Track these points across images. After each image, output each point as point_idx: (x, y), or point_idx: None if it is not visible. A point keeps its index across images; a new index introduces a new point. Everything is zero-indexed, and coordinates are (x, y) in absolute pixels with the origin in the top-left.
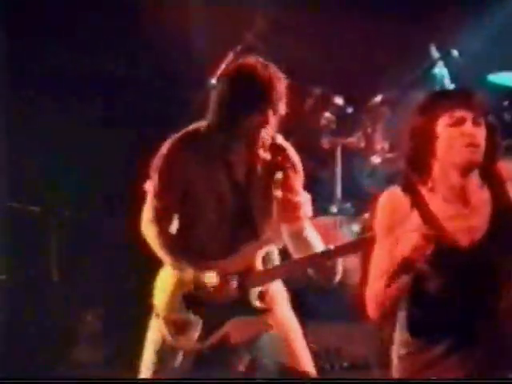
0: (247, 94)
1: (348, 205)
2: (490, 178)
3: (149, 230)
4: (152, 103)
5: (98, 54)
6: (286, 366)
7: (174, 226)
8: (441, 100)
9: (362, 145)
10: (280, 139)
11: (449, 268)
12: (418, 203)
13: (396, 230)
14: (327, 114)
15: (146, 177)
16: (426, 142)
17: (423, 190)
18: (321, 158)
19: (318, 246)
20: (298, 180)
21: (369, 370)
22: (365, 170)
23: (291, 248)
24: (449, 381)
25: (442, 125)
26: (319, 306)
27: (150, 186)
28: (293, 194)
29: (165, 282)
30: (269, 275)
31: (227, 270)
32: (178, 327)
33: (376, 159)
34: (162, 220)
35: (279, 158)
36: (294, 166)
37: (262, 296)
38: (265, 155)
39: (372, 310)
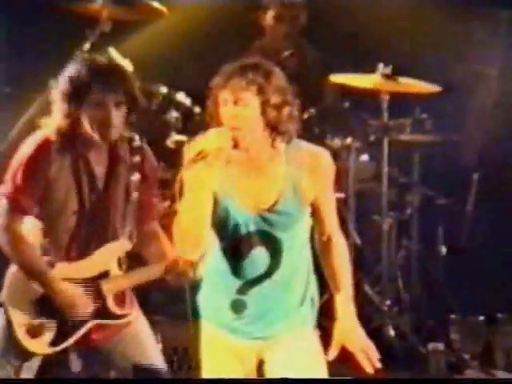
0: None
1: None
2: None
3: (3, 236)
4: None
5: None
6: (140, 366)
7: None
8: (221, 79)
9: None
10: (138, 140)
11: None
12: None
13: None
14: (174, 114)
15: None
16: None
17: None
18: (168, 158)
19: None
20: (155, 181)
21: None
22: None
23: (146, 248)
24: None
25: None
26: (167, 305)
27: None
28: (149, 195)
29: (14, 284)
30: (126, 280)
31: (83, 274)
32: (29, 331)
33: None
34: (17, 225)
35: (137, 159)
36: (151, 167)
37: (119, 301)
38: (124, 155)
39: (179, 248)
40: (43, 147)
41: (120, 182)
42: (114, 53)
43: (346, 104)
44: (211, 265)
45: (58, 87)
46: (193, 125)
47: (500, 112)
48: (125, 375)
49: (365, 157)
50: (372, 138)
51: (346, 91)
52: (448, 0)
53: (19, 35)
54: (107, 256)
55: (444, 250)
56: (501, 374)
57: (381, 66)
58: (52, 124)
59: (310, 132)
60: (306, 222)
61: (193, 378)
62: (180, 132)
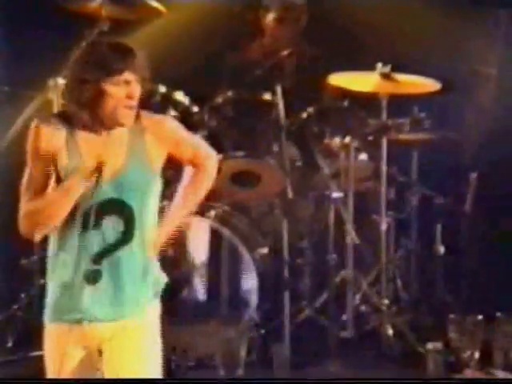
0: None
1: None
2: None
3: None
4: None
5: None
6: None
7: None
8: (109, 58)
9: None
10: None
11: None
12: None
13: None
14: (172, 113)
15: None
16: (94, 91)
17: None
18: None
19: None
20: None
21: (215, 369)
22: None
23: None
24: (448, 381)
25: (108, 83)
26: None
27: None
28: None
29: None
30: None
31: None
32: None
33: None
34: None
35: None
36: None
37: None
38: None
39: (23, 227)
40: None
41: None
42: None
43: (345, 103)
44: (62, 242)
45: None
46: (191, 124)
47: (499, 112)
48: None
49: (363, 156)
50: (371, 137)
51: (344, 90)
52: (448, 0)
53: (18, 34)
54: None
55: (442, 249)
56: (500, 374)
57: (379, 65)
58: None
59: (309, 131)
60: (157, 191)
61: (192, 378)
62: None
